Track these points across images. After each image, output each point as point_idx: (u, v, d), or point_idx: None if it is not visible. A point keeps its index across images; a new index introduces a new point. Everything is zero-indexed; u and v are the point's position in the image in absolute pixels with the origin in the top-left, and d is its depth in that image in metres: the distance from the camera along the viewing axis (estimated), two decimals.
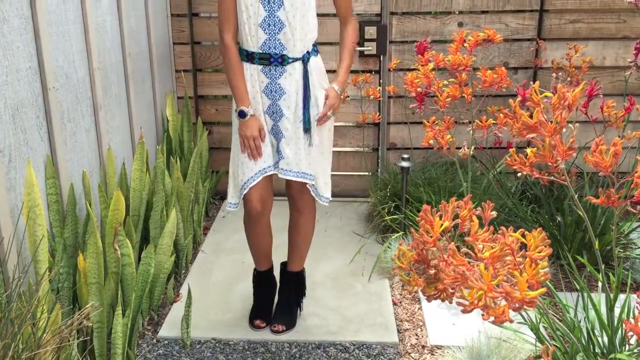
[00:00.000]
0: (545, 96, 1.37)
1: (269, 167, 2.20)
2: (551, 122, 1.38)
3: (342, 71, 2.27)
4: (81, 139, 2.29)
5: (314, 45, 2.20)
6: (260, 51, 2.12)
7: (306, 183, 2.24)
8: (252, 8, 2.07)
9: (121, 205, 2.08)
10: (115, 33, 2.64)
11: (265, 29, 2.09)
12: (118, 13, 2.67)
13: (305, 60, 2.16)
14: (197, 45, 3.56)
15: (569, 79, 2.77)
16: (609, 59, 3.40)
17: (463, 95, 2.05)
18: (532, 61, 3.42)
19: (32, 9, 1.92)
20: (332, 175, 2.28)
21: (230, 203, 2.26)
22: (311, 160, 2.22)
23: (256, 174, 2.18)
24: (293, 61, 2.14)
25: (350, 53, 2.28)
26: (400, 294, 2.64)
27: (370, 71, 3.53)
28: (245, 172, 2.18)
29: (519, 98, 1.47)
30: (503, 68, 1.99)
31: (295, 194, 2.34)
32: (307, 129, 2.19)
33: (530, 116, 1.39)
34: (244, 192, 2.19)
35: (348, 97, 3.36)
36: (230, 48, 2.14)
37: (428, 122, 2.20)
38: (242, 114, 2.14)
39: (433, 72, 2.04)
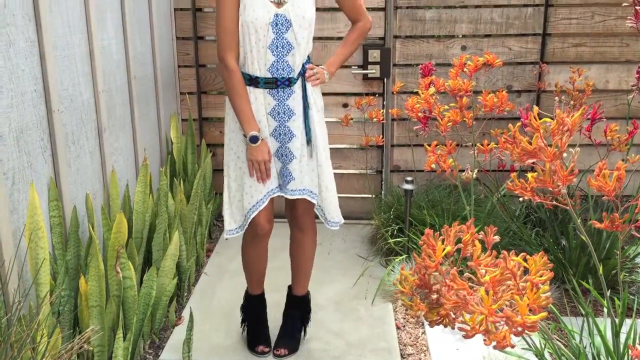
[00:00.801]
0: (545, 121, 1.37)
1: (276, 188, 2.19)
2: (551, 146, 1.38)
3: (336, 60, 2.29)
4: (85, 161, 2.30)
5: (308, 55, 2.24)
6: (268, 75, 2.11)
7: (312, 204, 2.25)
8: (262, 31, 2.07)
9: (124, 227, 2.09)
10: (120, 56, 2.67)
11: (273, 51, 2.10)
12: (124, 36, 2.70)
13: (303, 73, 2.18)
14: (202, 67, 3.59)
15: (572, 102, 2.77)
16: (612, 82, 3.41)
17: (464, 119, 2.05)
18: (536, 84, 3.43)
19: (38, 32, 1.94)
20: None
21: (230, 230, 2.21)
22: (312, 177, 2.22)
23: (265, 195, 2.16)
24: (296, 81, 2.16)
25: (350, 49, 2.31)
26: (404, 318, 2.62)
27: (373, 94, 3.55)
28: (254, 195, 2.16)
29: (518, 123, 1.47)
30: (504, 92, 1.99)
31: (300, 215, 2.31)
32: (309, 140, 2.20)
33: (531, 141, 1.39)
34: (253, 215, 2.16)
35: (352, 119, 3.37)
36: (237, 72, 2.10)
37: (431, 145, 2.20)
38: (254, 139, 2.09)
39: (434, 97, 2.04)
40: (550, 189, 1.41)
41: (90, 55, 2.34)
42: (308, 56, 2.22)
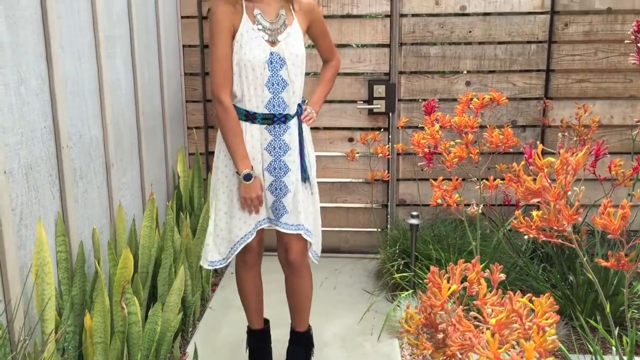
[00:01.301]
0: (549, 160, 1.37)
1: (264, 220, 2.25)
2: (555, 185, 1.39)
3: (317, 98, 2.40)
4: (92, 196, 2.31)
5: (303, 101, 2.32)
6: (265, 111, 2.16)
7: (306, 244, 2.27)
8: (259, 69, 2.12)
9: (129, 263, 2.09)
10: (129, 91, 2.71)
11: (270, 88, 2.15)
12: (133, 72, 2.75)
13: (299, 113, 2.24)
14: (209, 102, 3.64)
15: (575, 138, 2.79)
16: (617, 118, 3.43)
17: (470, 155, 2.06)
18: (540, 120, 3.45)
19: (49, 69, 1.98)
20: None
21: (214, 261, 2.24)
22: (308, 215, 2.26)
23: (253, 228, 2.23)
24: (292, 118, 2.21)
25: (328, 87, 2.44)
26: (411, 355, 2.59)
27: (379, 128, 3.58)
28: (243, 227, 2.21)
29: (523, 162, 1.48)
30: (509, 128, 2.01)
31: (295, 255, 2.28)
32: (305, 178, 2.25)
33: (535, 180, 1.39)
34: (239, 248, 2.21)
35: (357, 153, 3.39)
36: (231, 109, 2.13)
37: (437, 179, 2.21)
38: (248, 177, 2.12)
39: (440, 132, 2.06)
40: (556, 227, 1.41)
41: (100, 91, 2.38)
42: (303, 98, 2.31)
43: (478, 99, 1.92)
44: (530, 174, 1.43)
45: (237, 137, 2.13)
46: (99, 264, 2.10)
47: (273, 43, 2.13)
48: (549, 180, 1.43)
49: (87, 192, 2.27)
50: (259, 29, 2.12)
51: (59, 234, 2.02)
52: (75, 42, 2.16)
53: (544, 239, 1.48)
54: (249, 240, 2.21)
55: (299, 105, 2.25)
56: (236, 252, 2.22)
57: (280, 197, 2.21)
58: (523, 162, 1.53)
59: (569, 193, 1.43)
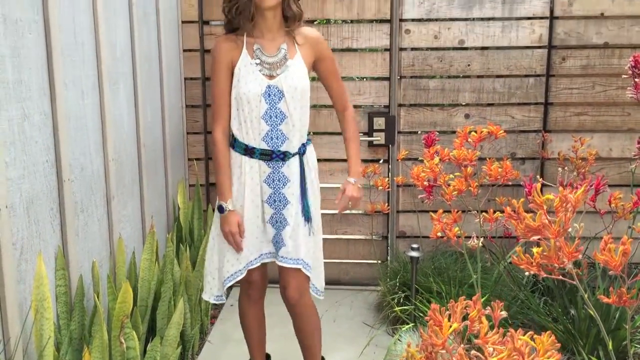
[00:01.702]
0: (548, 198, 1.38)
1: (257, 257, 2.26)
2: (555, 222, 1.39)
3: (354, 162, 2.34)
4: (93, 229, 2.32)
5: (308, 134, 2.29)
6: (264, 145, 2.18)
7: (307, 279, 2.26)
8: (254, 102, 2.15)
9: (129, 297, 2.08)
10: (131, 125, 2.73)
11: (267, 121, 2.17)
12: (135, 106, 2.77)
13: (301, 152, 2.23)
14: (210, 134, 3.65)
15: (575, 173, 2.80)
16: (615, 151, 3.45)
17: (470, 188, 2.07)
18: (539, 152, 3.47)
19: (53, 105, 2.00)
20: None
21: (216, 296, 2.31)
22: (309, 249, 2.25)
23: (244, 267, 2.24)
24: (292, 156, 2.21)
25: (357, 144, 2.36)
26: None
27: (378, 160, 3.60)
28: (234, 264, 2.24)
29: (522, 199, 1.49)
30: (508, 162, 2.02)
31: (293, 292, 2.26)
32: (308, 219, 2.23)
33: (535, 217, 1.40)
34: (228, 284, 2.23)
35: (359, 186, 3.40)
36: (219, 143, 2.21)
37: (437, 211, 2.22)
38: (220, 209, 2.20)
39: (439, 165, 2.07)
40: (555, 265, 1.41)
41: (102, 126, 2.40)
42: (309, 137, 2.30)
43: (476, 132, 1.94)
44: (530, 210, 1.44)
45: (223, 169, 2.22)
46: (98, 297, 2.09)
47: (271, 77, 2.16)
48: (549, 217, 1.43)
49: (87, 225, 2.27)
50: (256, 63, 2.16)
51: (59, 268, 2.02)
52: (78, 78, 2.18)
53: (545, 275, 1.48)
54: (239, 278, 2.23)
55: (303, 144, 2.24)
56: (225, 287, 2.25)
57: (280, 230, 2.22)
58: (522, 199, 1.54)
59: (569, 229, 1.43)
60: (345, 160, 3.58)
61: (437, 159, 1.99)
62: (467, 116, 3.51)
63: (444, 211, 2.30)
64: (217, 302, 2.34)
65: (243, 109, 2.15)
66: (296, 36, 2.21)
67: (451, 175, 2.00)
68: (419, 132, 3.56)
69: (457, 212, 2.02)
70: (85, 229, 2.25)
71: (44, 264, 1.87)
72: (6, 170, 1.73)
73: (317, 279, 2.33)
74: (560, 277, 1.51)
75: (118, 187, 2.56)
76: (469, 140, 1.95)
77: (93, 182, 2.32)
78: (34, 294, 1.81)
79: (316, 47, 2.24)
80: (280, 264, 2.22)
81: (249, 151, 2.19)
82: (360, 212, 3.69)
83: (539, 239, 1.42)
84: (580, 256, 1.39)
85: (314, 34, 2.25)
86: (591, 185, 2.27)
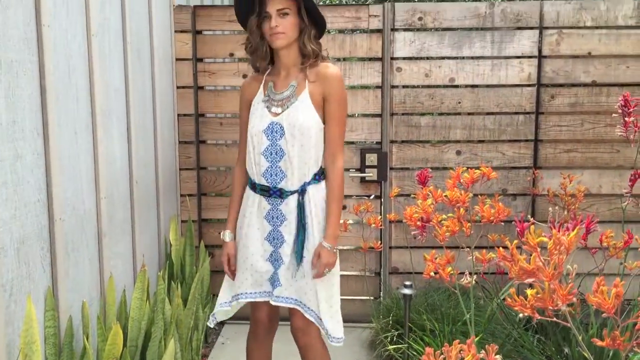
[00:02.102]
0: (541, 241, 1.39)
1: (250, 293, 2.29)
2: (549, 264, 1.40)
3: (331, 226, 2.16)
4: (83, 268, 2.29)
5: (316, 175, 2.21)
6: (263, 181, 2.21)
7: (310, 328, 2.23)
8: (257, 138, 2.20)
9: (119, 339, 2.05)
10: (124, 163, 2.73)
11: (267, 157, 2.19)
12: (128, 144, 2.78)
13: (300, 192, 2.18)
14: (202, 170, 3.66)
15: (565, 208, 2.82)
16: (605, 187, 3.47)
17: (463, 228, 2.08)
18: (530, 190, 3.49)
19: (46, 145, 2.00)
20: None
21: (222, 302, 2.39)
22: (308, 290, 2.20)
23: (233, 298, 2.33)
24: (290, 194, 2.19)
25: (337, 205, 2.18)
26: None
27: (369, 195, 3.61)
28: (221, 297, 2.38)
29: (515, 241, 1.49)
30: (500, 199, 2.03)
31: (294, 334, 2.28)
32: (301, 260, 2.19)
33: (529, 259, 1.40)
34: (239, 301, 2.33)
35: (350, 222, 3.40)
36: (234, 176, 2.39)
37: (430, 248, 2.22)
38: (223, 237, 2.37)
39: (432, 206, 2.08)
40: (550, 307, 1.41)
41: (95, 164, 2.40)
42: (318, 177, 2.20)
43: (469, 174, 1.96)
44: (523, 246, 1.44)
45: (231, 201, 2.38)
46: (87, 339, 2.06)
47: (276, 113, 2.17)
48: (542, 259, 1.44)
49: (78, 264, 2.25)
50: (264, 100, 2.21)
51: (48, 309, 1.99)
52: (72, 118, 2.19)
53: (539, 318, 1.47)
54: (225, 308, 2.35)
55: (306, 182, 2.19)
56: (237, 301, 2.32)
57: (276, 268, 2.22)
58: (516, 241, 1.54)
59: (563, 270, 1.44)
60: (348, 196, 3.63)
61: (430, 200, 2.00)
62: (458, 153, 3.54)
63: (437, 247, 2.30)
64: (223, 309, 2.39)
65: (249, 144, 2.23)
66: (310, 73, 2.18)
67: (444, 216, 2.01)
68: (411, 169, 3.58)
69: (450, 253, 2.02)
70: (75, 268, 2.23)
71: (33, 305, 1.84)
72: None
73: (329, 324, 2.22)
74: (554, 318, 1.51)
75: (109, 225, 2.54)
76: (462, 181, 1.96)
77: (84, 220, 2.31)
78: (23, 337, 1.78)
79: (324, 83, 2.15)
80: (273, 303, 2.20)
81: (253, 186, 2.26)
82: (352, 247, 3.68)
83: (533, 282, 1.42)
84: (574, 299, 1.39)
85: (327, 70, 2.16)
86: (582, 225, 2.28)
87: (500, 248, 1.96)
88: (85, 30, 2.30)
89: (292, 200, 2.19)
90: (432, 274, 2.23)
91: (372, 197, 3.63)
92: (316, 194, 2.20)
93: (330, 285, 2.24)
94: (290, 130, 2.14)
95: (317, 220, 2.19)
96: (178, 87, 3.55)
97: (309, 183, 2.19)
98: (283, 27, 2.11)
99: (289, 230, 2.20)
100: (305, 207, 2.18)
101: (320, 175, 2.22)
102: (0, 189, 1.74)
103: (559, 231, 1.65)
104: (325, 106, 2.17)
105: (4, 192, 1.76)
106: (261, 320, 2.34)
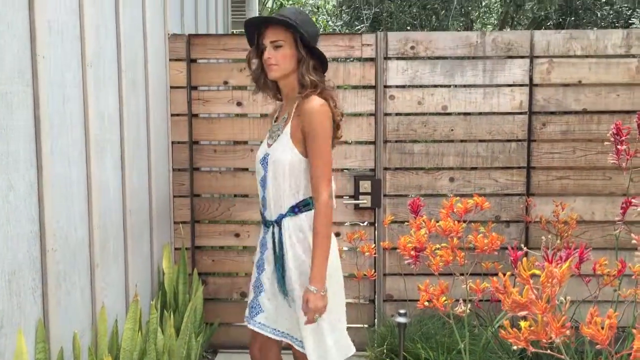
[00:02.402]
0: (534, 273, 1.39)
1: (246, 317, 2.34)
2: (542, 297, 1.40)
3: (314, 266, 2.07)
4: (75, 298, 2.27)
5: (294, 207, 2.20)
6: (262, 209, 2.31)
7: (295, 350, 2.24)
8: (257, 167, 2.31)
9: None
10: (117, 191, 2.72)
11: (262, 187, 2.29)
12: (122, 172, 2.77)
13: (277, 222, 2.23)
14: (196, 197, 3.66)
15: (558, 241, 2.83)
16: (598, 214, 3.49)
17: (457, 257, 2.08)
18: (523, 217, 3.50)
19: (39, 175, 2.00)
20: None
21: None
22: (293, 322, 2.23)
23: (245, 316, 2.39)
24: (272, 224, 2.26)
25: (321, 246, 2.09)
26: None
27: (363, 222, 3.61)
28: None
29: (509, 272, 1.49)
30: (493, 226, 2.04)
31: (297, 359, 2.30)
32: (284, 292, 2.21)
33: (522, 290, 1.40)
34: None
35: (344, 249, 3.39)
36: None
37: (424, 273, 2.22)
38: None
39: (425, 235, 2.09)
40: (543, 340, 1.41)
41: (88, 193, 2.39)
42: (296, 209, 2.20)
43: (462, 204, 1.97)
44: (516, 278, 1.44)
45: None
46: None
47: (269, 145, 2.27)
48: (535, 289, 1.44)
49: (69, 294, 2.23)
50: (269, 129, 2.33)
51: (39, 341, 1.97)
52: (65, 147, 2.19)
53: (533, 350, 1.47)
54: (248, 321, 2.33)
55: (282, 214, 2.21)
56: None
57: (257, 295, 2.28)
58: (509, 273, 1.55)
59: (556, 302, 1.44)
60: (342, 224, 3.63)
61: (423, 230, 2.01)
62: (451, 179, 3.56)
63: (431, 274, 2.29)
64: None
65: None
66: (298, 106, 2.17)
67: (437, 246, 2.01)
68: (405, 195, 3.59)
69: (444, 283, 2.02)
70: (67, 299, 2.21)
71: (24, 337, 1.82)
72: None
73: (313, 357, 2.19)
74: (548, 350, 1.50)
75: (102, 254, 2.53)
76: (455, 210, 1.97)
77: (77, 250, 2.30)
78: None
79: (303, 118, 2.12)
80: (254, 328, 2.25)
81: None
82: (346, 274, 3.66)
83: (526, 315, 1.42)
84: (567, 332, 1.39)
85: (306, 105, 2.12)
86: (575, 251, 2.28)
87: (494, 277, 1.96)
88: (80, 60, 2.31)
89: (272, 230, 2.26)
90: (426, 303, 2.23)
91: (365, 224, 3.63)
92: (291, 226, 2.21)
93: (321, 318, 2.16)
94: (271, 164, 2.21)
95: (292, 251, 2.20)
96: (172, 115, 3.56)
97: (284, 215, 2.21)
98: (275, 59, 2.14)
99: (269, 260, 2.27)
100: (281, 238, 2.21)
101: (302, 207, 2.20)
102: None
103: (551, 261, 1.65)
104: (305, 140, 2.14)
105: None
106: (251, 347, 2.39)
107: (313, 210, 2.13)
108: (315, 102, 2.11)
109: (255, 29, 2.20)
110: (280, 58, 2.13)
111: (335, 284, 2.24)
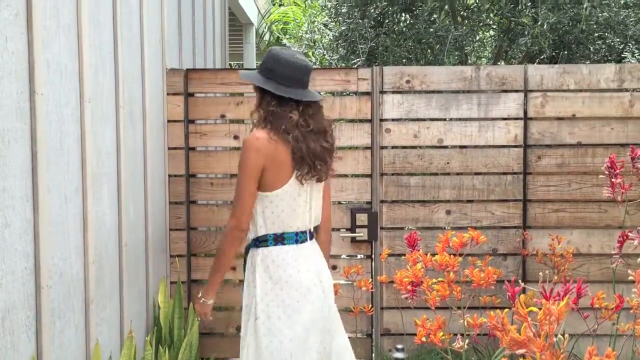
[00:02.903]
0: (531, 310, 1.39)
1: None
2: (540, 335, 1.39)
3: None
4: (69, 335, 2.25)
5: (258, 239, 2.34)
6: None
7: None
8: None
9: None
10: (113, 226, 2.72)
11: None
12: (118, 206, 2.77)
13: (248, 249, 2.43)
14: (192, 230, 3.65)
15: (556, 274, 2.82)
16: (595, 247, 3.49)
17: (453, 292, 2.07)
18: (520, 250, 3.49)
19: (35, 211, 1.99)
20: None
21: None
22: (250, 350, 2.29)
23: None
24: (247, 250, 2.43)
25: (328, 250, 2.58)
26: None
27: (358, 255, 3.60)
28: None
29: (506, 310, 1.49)
30: (490, 267, 2.04)
31: None
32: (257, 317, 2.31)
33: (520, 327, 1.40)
34: None
35: (341, 284, 3.38)
36: None
37: (421, 307, 2.20)
38: None
39: (422, 270, 2.08)
40: None
41: (84, 228, 2.39)
42: (257, 241, 2.36)
43: (457, 238, 1.97)
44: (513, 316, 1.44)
45: None
46: None
47: None
48: (533, 326, 1.43)
49: (63, 331, 2.21)
50: None
51: None
52: (62, 182, 2.19)
53: None
54: None
55: (249, 245, 2.42)
56: None
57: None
58: (507, 310, 1.54)
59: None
60: (339, 257, 3.61)
61: (419, 265, 2.01)
62: (448, 212, 3.56)
63: (428, 308, 2.28)
64: None
65: None
66: None
67: (434, 280, 2.00)
68: (402, 228, 3.59)
69: (442, 318, 2.01)
70: (61, 336, 2.18)
71: None
72: None
73: None
74: None
75: (97, 290, 2.51)
76: (451, 245, 1.97)
77: (72, 286, 2.28)
78: None
79: None
80: None
81: None
82: (343, 308, 3.64)
83: (525, 353, 1.41)
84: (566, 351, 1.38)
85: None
86: (572, 286, 2.27)
87: (492, 312, 1.95)
88: (78, 96, 2.33)
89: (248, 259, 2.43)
90: (423, 339, 2.21)
91: (360, 257, 3.62)
92: (253, 257, 2.38)
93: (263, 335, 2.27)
94: None
95: (258, 280, 2.32)
96: (169, 148, 3.58)
97: (250, 246, 2.41)
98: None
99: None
100: (246, 265, 2.41)
101: (260, 242, 2.34)
102: None
103: (549, 297, 1.65)
104: None
105: None
106: None
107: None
108: (247, 137, 2.30)
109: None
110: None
111: (275, 308, 2.27)
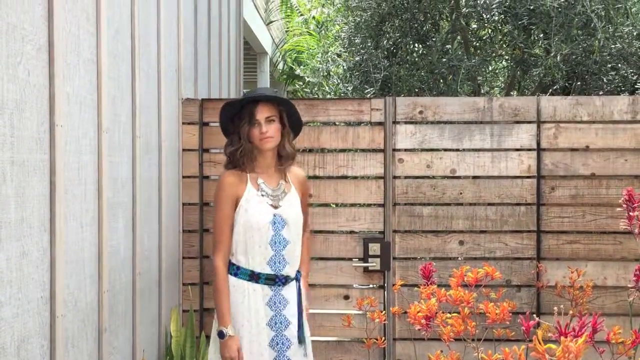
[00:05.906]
0: (550, 347, 1.38)
1: None
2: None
3: (305, 271, 2.65)
4: None
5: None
6: (268, 270, 2.40)
7: None
8: (264, 229, 2.40)
9: None
10: (127, 254, 2.74)
11: (272, 247, 2.42)
12: (133, 235, 2.79)
13: (297, 277, 2.51)
14: (205, 259, 3.66)
15: (571, 309, 2.78)
16: (610, 279, 3.45)
17: (468, 327, 2.06)
18: (535, 282, 3.46)
19: (52, 240, 2.02)
20: None
21: None
22: None
23: None
24: (291, 280, 2.46)
25: (308, 266, 2.73)
26: None
27: (371, 285, 3.58)
28: None
29: (523, 346, 1.48)
30: (504, 303, 2.02)
31: None
32: (301, 340, 2.41)
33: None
34: None
35: (353, 315, 3.36)
36: (220, 270, 2.43)
37: (435, 339, 2.18)
38: (221, 335, 2.38)
39: (436, 304, 2.07)
40: None
41: (99, 256, 2.41)
42: (299, 270, 2.54)
43: (472, 273, 1.96)
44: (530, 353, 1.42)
45: (223, 295, 2.41)
46: None
47: (276, 207, 2.44)
48: None
49: None
50: (262, 195, 2.44)
51: None
52: (79, 212, 2.22)
53: None
54: None
55: (298, 271, 2.51)
56: None
57: (283, 351, 2.36)
58: (523, 347, 1.53)
59: None
60: (340, 286, 3.62)
61: (434, 300, 2.00)
62: (461, 243, 3.55)
63: (442, 340, 2.26)
64: None
65: (252, 235, 2.39)
66: (289, 173, 2.56)
67: (448, 315, 2.00)
68: (415, 258, 3.57)
69: (456, 354, 2.00)
70: None
71: None
72: (1, 310, 1.72)
73: None
74: None
75: (110, 318, 2.52)
76: (465, 280, 1.97)
77: (86, 315, 2.29)
78: None
79: (304, 185, 2.64)
80: None
81: (254, 277, 2.40)
82: (356, 339, 3.62)
83: None
84: None
85: (302, 173, 2.65)
86: (587, 324, 2.25)
87: (506, 346, 1.93)
88: (96, 127, 2.37)
89: (293, 286, 2.47)
90: None
91: (372, 286, 3.60)
92: (302, 280, 2.57)
93: None
94: (294, 222, 2.48)
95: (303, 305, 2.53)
96: (184, 177, 3.61)
97: (299, 270, 2.54)
98: (272, 132, 2.43)
99: (292, 313, 2.41)
100: (301, 292, 2.49)
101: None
102: (5, 287, 1.74)
103: (566, 334, 1.64)
104: (302, 199, 2.58)
105: (8, 290, 1.76)
106: None
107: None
108: (302, 171, 2.69)
109: (233, 109, 2.49)
110: (275, 131, 2.43)
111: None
